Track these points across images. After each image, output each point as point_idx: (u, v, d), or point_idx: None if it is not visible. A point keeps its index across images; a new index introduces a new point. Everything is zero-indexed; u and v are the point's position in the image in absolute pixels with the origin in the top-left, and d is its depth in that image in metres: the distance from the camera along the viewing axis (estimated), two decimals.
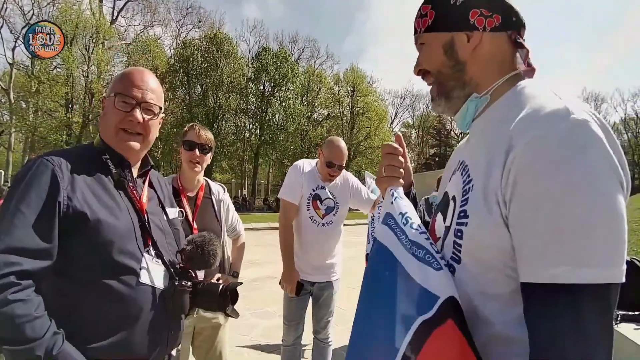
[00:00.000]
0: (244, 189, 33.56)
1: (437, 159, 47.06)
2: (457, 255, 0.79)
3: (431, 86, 0.93)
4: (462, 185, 0.82)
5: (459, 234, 0.77)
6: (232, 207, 2.35)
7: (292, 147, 33.23)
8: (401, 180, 1.02)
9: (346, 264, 2.90)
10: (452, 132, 48.90)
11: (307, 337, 2.81)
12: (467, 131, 0.93)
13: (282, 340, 2.69)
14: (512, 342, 0.71)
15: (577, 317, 0.60)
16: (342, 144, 2.58)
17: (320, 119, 37.63)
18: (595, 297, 0.60)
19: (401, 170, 1.04)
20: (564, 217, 0.61)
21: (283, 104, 32.80)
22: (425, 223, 0.94)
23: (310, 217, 2.55)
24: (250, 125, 34.52)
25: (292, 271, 2.51)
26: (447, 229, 0.84)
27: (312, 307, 2.70)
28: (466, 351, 0.68)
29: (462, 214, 0.77)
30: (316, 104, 37.20)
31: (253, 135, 34.13)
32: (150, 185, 1.32)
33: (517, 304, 0.70)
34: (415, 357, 0.70)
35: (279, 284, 2.60)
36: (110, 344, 1.02)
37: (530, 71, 0.87)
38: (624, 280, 0.61)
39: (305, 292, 2.60)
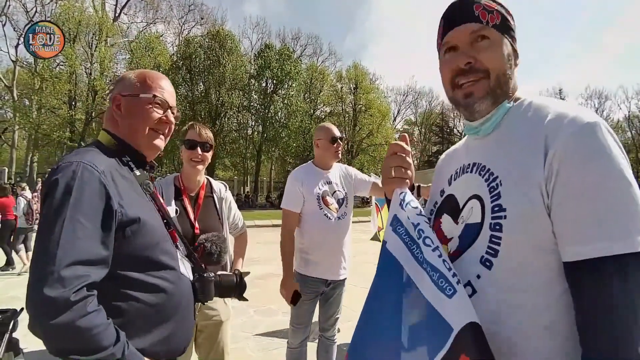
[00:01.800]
0: (246, 186, 33.63)
1: (439, 156, 46.82)
2: (493, 249, 0.81)
3: (474, 83, 0.91)
4: (485, 183, 0.87)
5: (497, 227, 0.81)
6: (234, 205, 2.36)
7: (294, 145, 33.23)
8: (407, 181, 1.01)
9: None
10: (454, 129, 48.82)
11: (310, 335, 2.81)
12: (482, 134, 0.96)
13: (287, 342, 2.69)
14: (544, 328, 0.77)
15: (626, 284, 0.68)
16: (329, 123, 2.72)
17: (323, 116, 37.57)
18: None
19: (409, 172, 1.01)
20: (608, 199, 0.71)
21: (285, 101, 32.79)
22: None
23: (325, 215, 2.54)
24: (253, 122, 34.53)
25: (291, 280, 2.52)
26: (475, 227, 0.86)
27: (320, 306, 2.70)
28: None
29: (496, 209, 0.82)
30: (318, 101, 37.17)
31: (255, 133, 34.15)
32: None
33: (552, 291, 0.77)
34: None
35: (280, 291, 2.59)
36: (152, 340, 1.08)
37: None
38: None
39: (317, 294, 2.61)
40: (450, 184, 1.00)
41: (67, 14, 23.90)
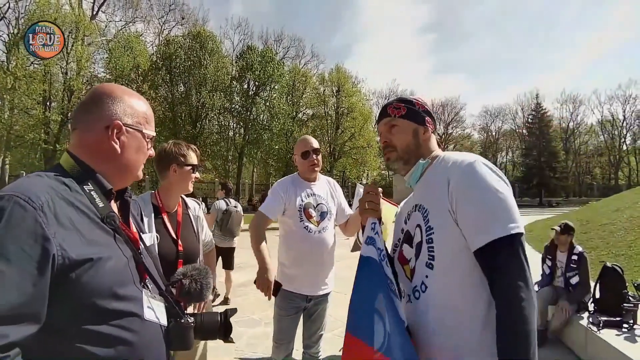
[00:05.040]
0: None
1: None
2: (431, 256, 1.22)
3: (388, 153, 1.41)
4: (422, 215, 1.29)
5: (430, 240, 1.23)
6: (205, 224, 2.35)
7: (276, 147, 33.03)
8: (377, 212, 1.43)
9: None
10: (436, 135, 49.31)
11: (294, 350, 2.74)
12: (412, 187, 1.43)
13: (271, 358, 2.62)
14: (470, 297, 1.18)
15: (513, 252, 1.10)
16: (306, 136, 2.68)
17: (305, 119, 37.53)
18: (518, 239, 1.11)
19: (379, 207, 1.44)
20: (489, 200, 1.14)
21: (268, 104, 32.58)
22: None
23: (305, 228, 2.48)
24: (235, 124, 34.19)
25: (268, 272, 2.32)
26: (420, 243, 1.27)
27: (303, 322, 2.63)
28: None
29: (428, 229, 1.24)
30: (301, 104, 37.08)
31: (237, 135, 33.81)
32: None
33: (472, 273, 1.17)
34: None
35: (254, 282, 2.37)
36: None
37: (440, 143, 1.49)
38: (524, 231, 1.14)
39: (298, 309, 2.53)
40: (406, 222, 1.42)
41: (42, 11, 23.14)
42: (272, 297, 2.36)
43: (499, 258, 1.09)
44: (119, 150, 1.04)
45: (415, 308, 1.25)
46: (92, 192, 0.99)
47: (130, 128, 1.06)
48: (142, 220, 1.64)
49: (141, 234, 1.22)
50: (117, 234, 1.00)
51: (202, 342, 2.15)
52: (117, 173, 1.07)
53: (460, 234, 1.16)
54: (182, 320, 1.09)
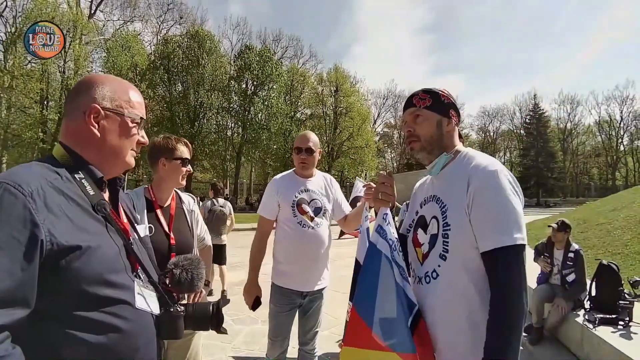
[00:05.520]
0: (226, 188, 33.19)
1: (418, 159, 47.48)
2: (446, 249, 1.32)
3: (413, 144, 1.46)
4: (439, 209, 1.38)
5: (446, 235, 1.33)
6: (200, 218, 2.34)
7: (274, 147, 33.03)
8: (390, 203, 1.53)
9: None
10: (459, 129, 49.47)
11: (291, 347, 2.74)
12: (434, 175, 1.49)
13: (266, 355, 2.61)
14: (470, 286, 1.29)
15: (517, 261, 1.21)
16: (307, 132, 2.66)
17: (304, 119, 37.53)
18: (522, 250, 1.22)
19: (392, 197, 1.53)
20: (503, 208, 1.23)
21: (266, 103, 32.58)
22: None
23: (299, 223, 2.48)
24: (233, 124, 34.18)
25: (254, 285, 2.51)
26: (435, 236, 1.37)
27: (299, 319, 2.62)
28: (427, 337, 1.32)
29: (445, 225, 1.34)
30: (299, 104, 37.10)
31: (235, 134, 33.80)
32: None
33: (479, 269, 1.27)
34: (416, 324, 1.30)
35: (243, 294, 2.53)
36: None
37: (463, 139, 1.56)
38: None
39: (293, 306, 2.53)
40: (421, 207, 1.51)
41: (39, 10, 23.10)
42: (269, 296, 2.51)
43: (501, 264, 1.21)
44: (97, 134, 1.04)
45: (425, 290, 1.38)
46: (83, 181, 0.99)
47: (110, 112, 1.05)
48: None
49: (135, 225, 1.23)
50: (108, 223, 1.01)
51: (195, 338, 2.14)
52: (103, 159, 1.06)
53: (472, 232, 1.26)
54: (172, 309, 1.10)
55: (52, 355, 0.86)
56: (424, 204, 1.49)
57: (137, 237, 1.19)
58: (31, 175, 0.89)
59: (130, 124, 1.09)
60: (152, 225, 1.71)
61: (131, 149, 1.12)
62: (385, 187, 1.52)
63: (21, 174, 0.89)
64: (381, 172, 1.52)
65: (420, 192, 1.59)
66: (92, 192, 0.99)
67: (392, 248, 1.37)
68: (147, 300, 1.04)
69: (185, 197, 2.26)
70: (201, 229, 2.34)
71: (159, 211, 2.02)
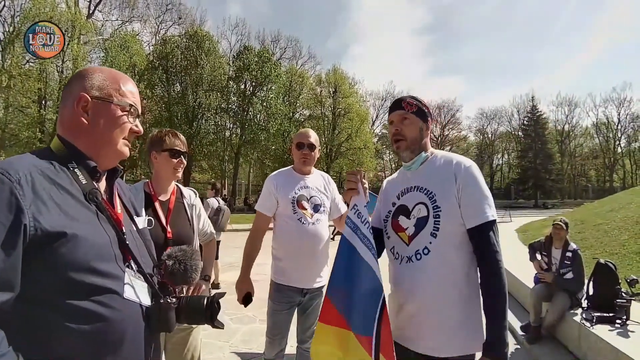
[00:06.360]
0: (224, 189, 33.13)
1: None
2: (437, 227, 1.55)
3: (399, 143, 1.69)
4: (426, 196, 1.61)
5: (437, 215, 1.56)
6: (203, 212, 2.33)
7: (273, 148, 33.04)
8: (359, 191, 1.69)
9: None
10: (431, 134, 49.55)
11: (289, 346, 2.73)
12: (412, 170, 1.72)
13: (264, 353, 2.60)
14: (456, 260, 1.57)
15: (495, 231, 1.54)
16: (308, 129, 2.68)
17: (302, 120, 37.50)
18: (495, 222, 1.54)
19: (359, 189, 1.70)
20: (483, 194, 1.55)
21: (264, 104, 32.60)
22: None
23: (299, 219, 2.47)
24: (231, 124, 34.15)
25: (246, 281, 2.53)
26: (425, 218, 1.59)
27: (297, 316, 2.61)
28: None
29: (435, 207, 1.57)
30: (298, 104, 37.09)
31: (234, 135, 33.78)
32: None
33: (467, 246, 1.56)
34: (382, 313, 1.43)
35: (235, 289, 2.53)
36: None
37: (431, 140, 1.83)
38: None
39: (292, 304, 2.53)
40: (399, 198, 1.73)
41: (38, 9, 23.06)
42: (268, 294, 2.53)
43: (485, 234, 1.52)
44: (86, 122, 1.05)
45: (415, 267, 1.58)
46: (76, 170, 1.01)
47: (99, 100, 1.06)
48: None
49: (134, 216, 1.23)
50: (100, 212, 1.01)
51: (194, 333, 2.13)
52: (95, 148, 1.07)
53: (459, 213, 1.54)
54: (162, 301, 1.08)
55: (37, 341, 0.86)
56: (403, 195, 1.72)
57: (134, 229, 1.18)
58: (21, 164, 0.91)
59: (120, 112, 1.09)
60: (151, 218, 1.70)
61: (123, 138, 1.11)
62: (351, 177, 1.73)
63: (12, 162, 0.92)
64: (356, 169, 1.80)
65: (392, 186, 1.83)
66: (84, 182, 1.00)
67: (355, 228, 1.59)
68: (136, 291, 1.03)
69: (187, 191, 2.25)
70: (204, 223, 2.32)
71: (156, 204, 2.02)
